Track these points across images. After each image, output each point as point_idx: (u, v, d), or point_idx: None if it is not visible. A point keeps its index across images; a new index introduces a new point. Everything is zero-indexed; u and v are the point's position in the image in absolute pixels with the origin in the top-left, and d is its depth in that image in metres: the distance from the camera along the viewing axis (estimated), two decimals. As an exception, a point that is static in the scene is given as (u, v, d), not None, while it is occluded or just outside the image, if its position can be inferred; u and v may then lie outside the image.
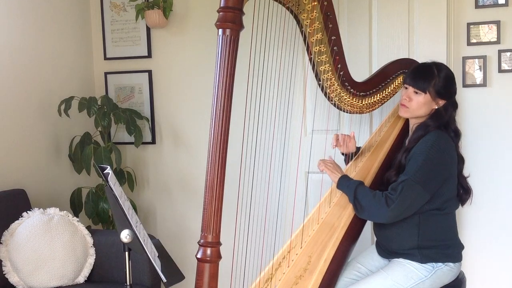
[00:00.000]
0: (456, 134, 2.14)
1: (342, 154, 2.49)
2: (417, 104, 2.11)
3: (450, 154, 2.06)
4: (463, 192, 2.15)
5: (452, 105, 2.14)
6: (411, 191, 1.97)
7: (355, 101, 2.35)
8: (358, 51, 2.82)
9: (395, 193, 1.97)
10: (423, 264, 2.05)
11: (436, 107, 2.11)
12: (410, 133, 2.21)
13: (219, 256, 1.67)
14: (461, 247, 2.16)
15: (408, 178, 1.97)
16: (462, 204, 2.19)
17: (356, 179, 2.13)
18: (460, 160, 2.14)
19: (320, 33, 2.11)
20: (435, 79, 2.08)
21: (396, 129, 2.39)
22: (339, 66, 2.21)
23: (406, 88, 2.15)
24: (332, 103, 2.36)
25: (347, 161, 2.48)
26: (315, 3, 2.03)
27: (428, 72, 2.11)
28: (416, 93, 2.10)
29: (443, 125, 2.10)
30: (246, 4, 1.67)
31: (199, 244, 1.67)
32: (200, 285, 1.66)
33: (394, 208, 1.96)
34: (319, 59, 2.17)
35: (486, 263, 2.75)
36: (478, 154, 2.71)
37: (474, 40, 2.67)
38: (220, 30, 1.63)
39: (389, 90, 2.42)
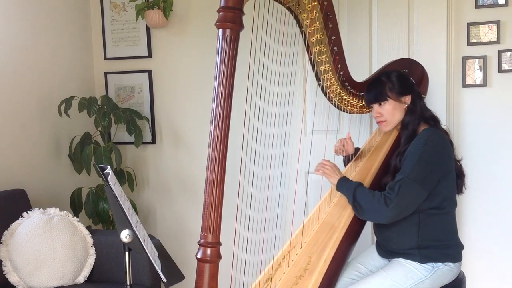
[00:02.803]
0: (435, 121, 2.17)
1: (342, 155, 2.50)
2: (388, 113, 2.17)
3: (446, 150, 2.06)
4: (456, 177, 2.15)
5: (417, 96, 2.19)
6: (408, 190, 1.97)
7: (355, 101, 2.36)
8: (358, 51, 2.82)
9: (392, 193, 1.97)
10: (423, 264, 2.05)
11: (406, 106, 2.16)
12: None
13: (219, 256, 1.67)
14: (461, 247, 2.16)
15: (405, 177, 1.97)
16: (460, 191, 2.20)
17: (355, 180, 2.13)
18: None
19: (320, 33, 2.11)
20: (387, 83, 2.16)
21: (395, 130, 2.38)
22: (339, 66, 2.21)
23: (372, 107, 2.21)
24: (332, 103, 2.36)
25: (346, 162, 2.48)
26: (315, 3, 2.04)
27: (378, 83, 2.18)
28: (380, 104, 2.17)
29: (421, 116, 2.14)
30: (246, 4, 1.67)
31: (199, 244, 1.67)
32: (200, 285, 1.66)
33: (393, 207, 1.96)
34: (319, 59, 2.17)
35: (486, 263, 2.75)
36: (478, 154, 2.71)
37: (474, 40, 2.67)
38: (220, 30, 1.63)
39: (389, 90, 2.42)
